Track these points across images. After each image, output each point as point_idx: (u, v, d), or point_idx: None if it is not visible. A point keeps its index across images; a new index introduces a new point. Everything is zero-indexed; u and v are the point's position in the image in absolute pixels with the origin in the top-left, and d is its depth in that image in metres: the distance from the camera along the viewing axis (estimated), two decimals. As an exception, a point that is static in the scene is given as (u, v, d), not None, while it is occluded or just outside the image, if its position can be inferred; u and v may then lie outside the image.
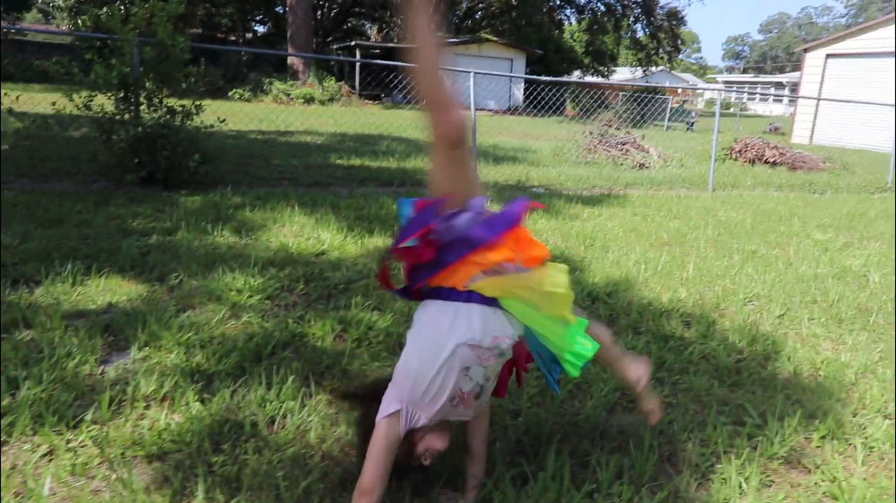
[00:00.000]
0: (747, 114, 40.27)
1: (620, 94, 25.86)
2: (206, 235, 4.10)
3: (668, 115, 23.01)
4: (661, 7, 37.55)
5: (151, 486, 1.63)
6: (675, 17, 38.02)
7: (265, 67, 26.16)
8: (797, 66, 72.92)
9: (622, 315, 3.14)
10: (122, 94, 5.44)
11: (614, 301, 3.32)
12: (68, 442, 1.81)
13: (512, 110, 27.34)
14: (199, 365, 2.30)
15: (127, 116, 5.44)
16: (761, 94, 43.47)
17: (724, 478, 1.80)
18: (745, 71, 70.74)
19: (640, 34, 38.41)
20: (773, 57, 76.34)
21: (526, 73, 27.87)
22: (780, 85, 44.18)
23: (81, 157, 6.81)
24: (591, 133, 10.71)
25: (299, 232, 4.37)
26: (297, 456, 1.79)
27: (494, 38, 27.58)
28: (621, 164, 9.57)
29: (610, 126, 10.60)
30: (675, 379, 2.43)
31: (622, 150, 10.04)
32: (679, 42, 39.48)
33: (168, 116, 5.50)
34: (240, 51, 23.85)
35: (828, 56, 19.83)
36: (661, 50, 38.56)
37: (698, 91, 47.05)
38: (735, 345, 2.82)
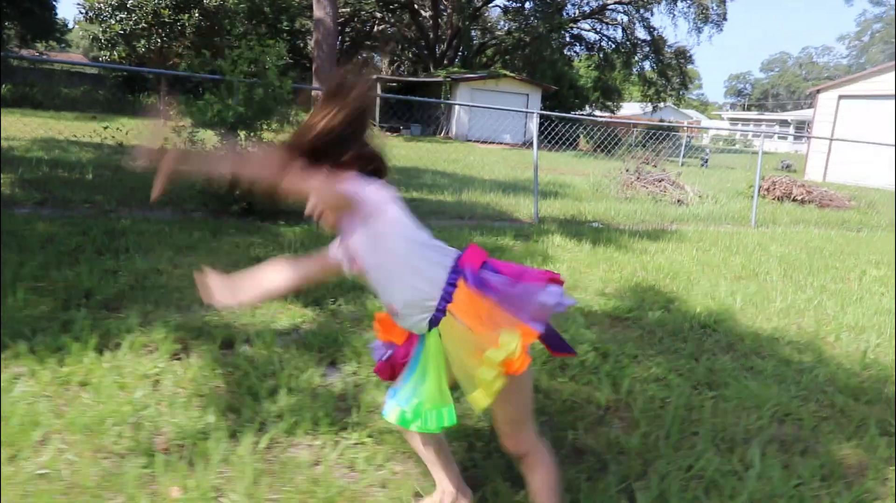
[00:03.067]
0: (753, 150, 41.05)
1: (635, 129, 26.54)
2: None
3: (682, 152, 23.60)
4: (670, 46, 38.65)
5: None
6: (683, 55, 39.11)
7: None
8: (798, 104, 73.97)
9: (737, 341, 3.50)
10: (223, 130, 5.85)
11: (725, 329, 3.68)
12: (346, 440, 2.14)
13: (527, 144, 28.01)
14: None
15: (230, 152, 5.85)
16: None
17: (901, 478, 2.13)
18: (748, 108, 72.13)
19: (648, 71, 39.40)
20: (775, 95, 77.85)
21: (541, 108, 28.56)
22: (784, 122, 45.08)
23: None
24: (626, 170, 11.16)
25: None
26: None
27: (512, 74, 28.34)
28: (660, 201, 9.99)
29: (647, 163, 11.06)
30: (816, 397, 2.78)
31: (659, 186, 10.48)
32: (686, 79, 40.54)
33: (268, 152, 5.91)
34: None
35: (840, 97, 20.48)
36: (668, 87, 39.62)
37: (702, 128, 47.95)
38: (852, 370, 3.17)
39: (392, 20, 43.46)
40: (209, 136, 5.95)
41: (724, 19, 35.28)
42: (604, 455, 2.12)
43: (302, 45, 35.70)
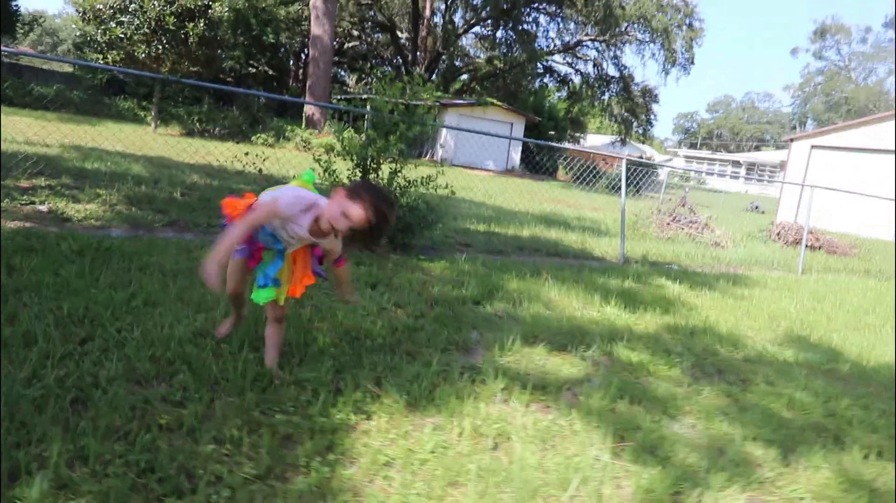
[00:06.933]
0: (707, 188, 43.21)
1: (615, 164, 27.64)
2: (516, 306, 4.63)
3: (663, 188, 24.71)
4: (636, 84, 40.45)
5: None
6: (649, 94, 41.05)
7: (271, 113, 26.50)
8: (740, 146, 77.22)
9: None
10: (361, 163, 5.89)
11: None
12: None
13: (509, 171, 28.66)
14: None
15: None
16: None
17: None
18: (699, 147, 75.89)
19: (615, 106, 41.09)
20: (719, 135, 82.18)
21: (524, 138, 29.23)
22: (736, 163, 47.68)
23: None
24: (659, 211, 11.73)
25: (586, 303, 4.95)
26: None
27: (499, 103, 28.99)
28: (700, 243, 10.56)
29: (683, 206, 11.67)
30: None
31: (693, 227, 11.07)
32: (652, 116, 42.49)
33: (406, 184, 6.00)
34: (262, 95, 24.18)
35: (812, 147, 22.04)
36: (635, 123, 41.49)
37: (658, 164, 50.09)
38: None
39: (368, 40, 43.76)
40: (342, 166, 5.99)
41: (692, 63, 37.29)
42: None
43: (285, 59, 35.40)
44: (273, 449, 2.11)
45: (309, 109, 24.55)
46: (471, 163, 27.67)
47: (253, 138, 21.42)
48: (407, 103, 5.74)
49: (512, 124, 29.76)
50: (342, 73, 48.22)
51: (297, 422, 2.32)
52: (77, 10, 19.52)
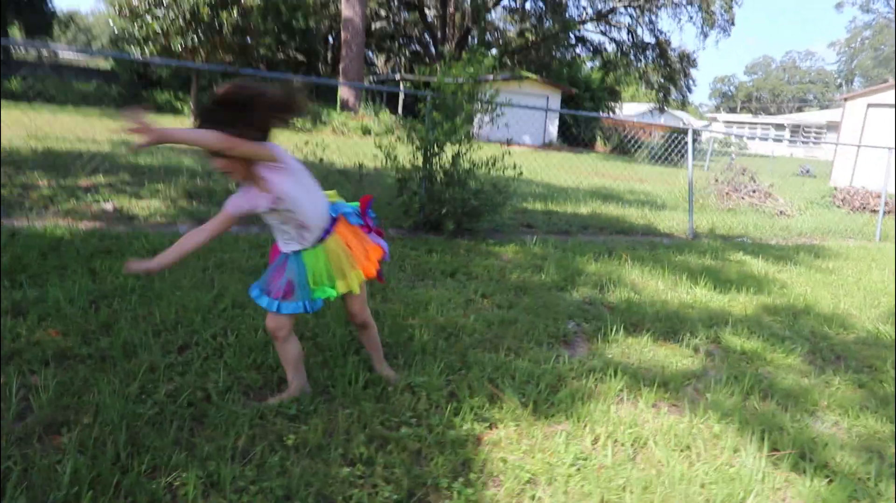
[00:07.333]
0: (750, 153, 41.77)
1: (652, 133, 26.89)
2: (603, 292, 4.40)
3: (708, 155, 23.88)
4: (673, 49, 39.12)
5: None
6: (686, 59, 39.67)
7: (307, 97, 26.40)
8: (781, 108, 74.53)
9: None
10: (424, 148, 5.68)
11: None
12: None
13: (547, 145, 28.11)
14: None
15: (432, 167, 5.70)
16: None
17: None
18: (738, 111, 73.41)
19: (652, 74, 39.85)
20: (758, 98, 79.36)
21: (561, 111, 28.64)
22: (780, 126, 45.97)
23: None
24: (716, 181, 11.25)
25: (673, 285, 4.69)
26: None
27: (534, 77, 28.39)
28: (763, 212, 10.09)
29: (743, 174, 11.17)
30: None
31: (755, 197, 10.58)
32: (691, 82, 41.11)
33: (472, 168, 5.78)
34: (300, 80, 24.06)
35: (869, 105, 20.97)
36: (674, 90, 40.20)
37: (697, 130, 48.70)
38: None
39: (396, 19, 43.23)
40: (403, 151, 5.79)
41: (732, 24, 35.81)
42: None
43: (315, 43, 35.22)
44: (409, 468, 1.95)
45: (344, 93, 24.40)
46: (508, 138, 27.23)
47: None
48: (473, 81, 5.49)
49: (548, 97, 29.15)
50: (370, 53, 47.82)
51: (422, 435, 2.15)
52: (112, 7, 19.57)
